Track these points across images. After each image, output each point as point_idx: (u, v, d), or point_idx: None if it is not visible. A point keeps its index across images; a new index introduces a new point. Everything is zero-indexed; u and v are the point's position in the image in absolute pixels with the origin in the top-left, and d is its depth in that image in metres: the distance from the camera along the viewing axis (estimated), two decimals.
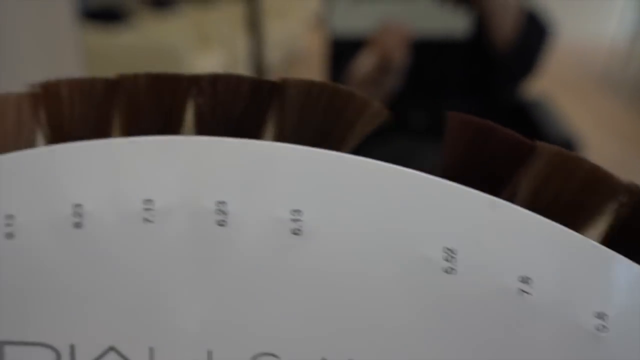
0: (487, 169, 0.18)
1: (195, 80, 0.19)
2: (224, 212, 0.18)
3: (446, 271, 0.17)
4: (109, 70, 0.21)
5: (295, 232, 0.18)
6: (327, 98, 0.19)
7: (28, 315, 0.19)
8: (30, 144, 0.20)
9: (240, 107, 0.19)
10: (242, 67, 2.55)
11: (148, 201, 0.18)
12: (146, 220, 0.18)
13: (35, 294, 0.19)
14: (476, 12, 0.91)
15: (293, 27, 3.67)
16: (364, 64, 0.88)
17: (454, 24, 0.91)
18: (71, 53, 0.90)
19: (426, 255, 0.17)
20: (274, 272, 0.18)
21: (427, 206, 0.18)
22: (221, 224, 0.18)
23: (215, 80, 0.19)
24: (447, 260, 0.17)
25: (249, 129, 0.19)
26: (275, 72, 3.01)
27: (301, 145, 0.18)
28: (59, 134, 0.20)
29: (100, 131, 0.20)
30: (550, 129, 1.02)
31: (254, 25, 1.86)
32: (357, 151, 0.19)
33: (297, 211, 0.18)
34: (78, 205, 0.18)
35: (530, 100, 1.10)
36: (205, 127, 0.19)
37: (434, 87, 0.97)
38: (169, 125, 0.20)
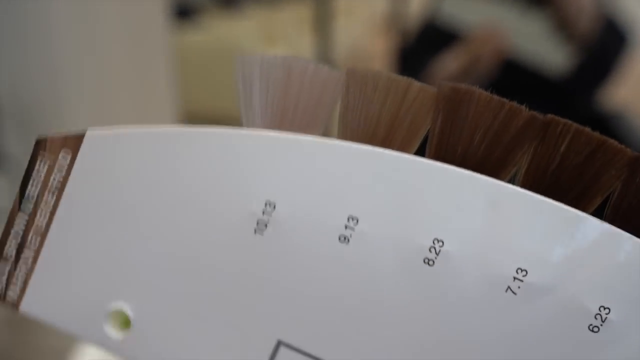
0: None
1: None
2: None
3: None
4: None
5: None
6: None
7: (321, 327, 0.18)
8: (413, 138, 0.18)
9: None
10: None
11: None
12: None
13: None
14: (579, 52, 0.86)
15: (358, 28, 3.65)
16: (450, 62, 0.86)
17: (554, 56, 0.87)
18: (161, 52, 0.90)
19: None
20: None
21: None
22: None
23: None
24: None
25: None
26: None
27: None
28: (443, 145, 0.18)
29: (495, 162, 0.18)
30: (632, 142, 0.96)
31: (321, 26, 1.85)
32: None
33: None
34: (437, 242, 0.17)
35: (610, 111, 1.04)
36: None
37: (506, 92, 0.94)
38: (580, 196, 0.17)
